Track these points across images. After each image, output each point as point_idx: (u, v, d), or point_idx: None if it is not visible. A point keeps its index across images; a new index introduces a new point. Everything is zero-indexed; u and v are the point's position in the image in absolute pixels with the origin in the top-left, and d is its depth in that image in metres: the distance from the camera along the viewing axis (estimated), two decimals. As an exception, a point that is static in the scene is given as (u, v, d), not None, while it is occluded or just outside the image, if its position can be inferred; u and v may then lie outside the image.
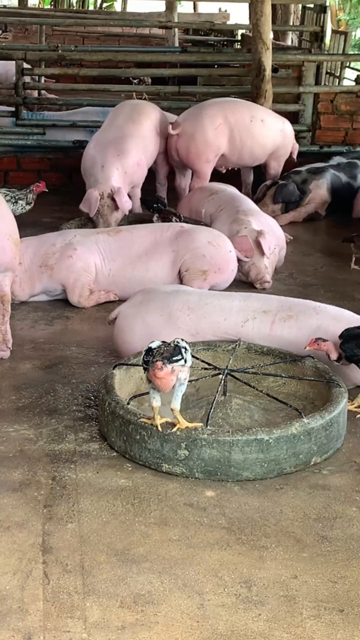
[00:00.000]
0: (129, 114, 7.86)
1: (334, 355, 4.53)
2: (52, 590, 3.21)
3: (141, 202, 7.57)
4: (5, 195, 6.96)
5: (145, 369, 3.87)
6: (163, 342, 3.92)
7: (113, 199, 7.08)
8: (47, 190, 7.23)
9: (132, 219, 7.37)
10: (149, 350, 3.88)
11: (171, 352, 3.83)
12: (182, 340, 3.91)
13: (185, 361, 3.83)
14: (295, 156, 8.58)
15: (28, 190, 7.13)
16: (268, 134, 8.13)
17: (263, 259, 6.45)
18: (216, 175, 8.29)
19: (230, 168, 8.42)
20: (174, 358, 3.80)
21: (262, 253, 6.41)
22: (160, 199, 7.64)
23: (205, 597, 3.21)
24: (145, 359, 3.86)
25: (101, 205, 7.08)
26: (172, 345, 3.87)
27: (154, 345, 3.89)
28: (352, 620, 3.12)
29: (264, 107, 8.50)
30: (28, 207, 7.15)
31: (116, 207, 7.09)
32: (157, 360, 3.80)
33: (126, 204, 7.11)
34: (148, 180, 7.89)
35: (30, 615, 3.08)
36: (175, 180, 8.19)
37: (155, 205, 7.18)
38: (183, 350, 3.84)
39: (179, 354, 3.82)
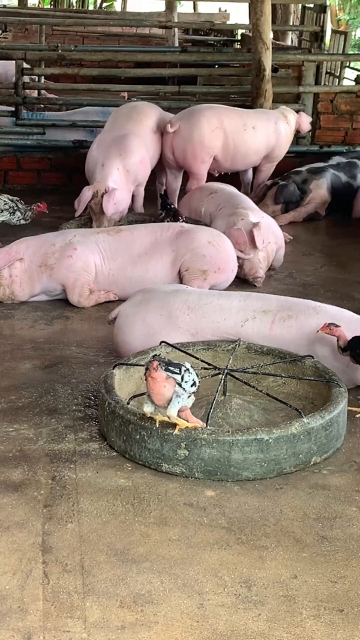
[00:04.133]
0: (130, 115, 7.86)
1: (342, 342, 4.55)
2: (52, 590, 3.21)
3: (161, 197, 7.54)
4: (5, 204, 6.93)
5: (145, 372, 3.89)
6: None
7: None
8: (47, 212, 7.12)
9: (132, 219, 7.37)
10: (155, 356, 3.92)
11: (172, 363, 3.85)
12: (192, 370, 3.90)
13: (182, 379, 3.82)
14: (305, 129, 8.58)
15: (29, 208, 7.05)
16: (261, 139, 8.11)
17: (257, 253, 6.44)
18: (215, 176, 8.29)
19: (222, 173, 8.39)
20: (170, 368, 3.81)
21: (255, 246, 6.40)
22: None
23: (205, 597, 3.21)
24: (152, 357, 3.89)
25: (95, 204, 7.07)
26: (178, 362, 3.90)
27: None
28: (352, 620, 3.12)
29: (255, 112, 8.45)
30: (23, 222, 7.03)
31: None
32: (154, 360, 3.82)
33: (111, 206, 7.02)
34: (148, 181, 7.88)
35: (30, 615, 3.08)
36: (166, 180, 8.13)
37: (169, 206, 7.15)
38: (184, 369, 3.84)
39: (178, 369, 3.82)
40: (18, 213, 6.97)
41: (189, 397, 3.90)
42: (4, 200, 6.94)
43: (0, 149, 9.24)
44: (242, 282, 6.47)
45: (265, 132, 8.13)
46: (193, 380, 3.88)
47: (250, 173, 8.63)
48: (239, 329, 4.87)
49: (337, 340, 4.61)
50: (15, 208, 6.96)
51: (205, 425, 4.01)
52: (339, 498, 3.87)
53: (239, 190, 7.82)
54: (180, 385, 3.82)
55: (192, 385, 3.88)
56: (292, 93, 9.94)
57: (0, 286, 6.01)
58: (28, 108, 9.97)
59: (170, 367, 3.81)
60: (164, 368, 3.80)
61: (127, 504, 3.76)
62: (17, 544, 3.46)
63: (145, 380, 3.87)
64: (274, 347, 4.77)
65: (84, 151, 7.98)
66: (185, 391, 3.85)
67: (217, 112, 7.94)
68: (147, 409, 3.93)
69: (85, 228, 6.89)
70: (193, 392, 3.91)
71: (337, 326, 4.58)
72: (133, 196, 7.66)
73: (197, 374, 3.95)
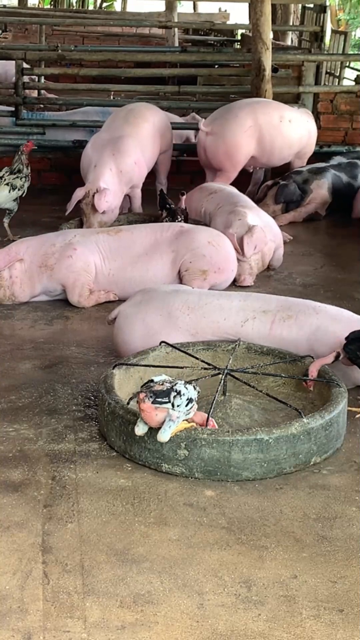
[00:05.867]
0: (127, 117, 7.85)
1: (330, 359, 4.51)
2: (52, 590, 3.21)
3: (159, 196, 7.54)
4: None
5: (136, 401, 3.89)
6: (170, 381, 3.88)
7: None
8: (36, 147, 7.30)
9: (132, 219, 7.37)
10: (149, 381, 3.89)
11: (160, 392, 3.81)
12: (187, 385, 3.86)
13: (173, 406, 3.79)
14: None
15: (19, 153, 7.23)
16: (295, 134, 8.23)
17: (248, 260, 6.44)
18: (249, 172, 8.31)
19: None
20: (158, 399, 3.79)
21: (243, 253, 6.39)
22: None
23: (205, 597, 3.21)
24: (141, 388, 3.88)
25: (85, 204, 7.07)
26: (168, 386, 3.83)
27: (156, 378, 3.90)
28: (352, 620, 3.12)
29: (289, 106, 8.53)
30: (28, 172, 7.23)
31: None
32: (141, 392, 3.82)
33: (103, 204, 7.01)
34: (149, 182, 7.88)
35: (30, 615, 3.08)
36: (206, 179, 8.08)
37: (169, 205, 7.14)
38: (173, 395, 3.79)
39: (166, 397, 3.79)
40: (18, 181, 7.10)
41: (187, 414, 3.89)
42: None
43: (1, 149, 9.24)
44: (242, 282, 6.48)
45: (300, 127, 8.25)
46: (188, 398, 3.84)
47: (261, 173, 8.66)
48: (238, 329, 4.87)
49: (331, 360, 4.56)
50: (13, 178, 7.11)
51: (212, 421, 4.02)
52: (339, 498, 3.87)
53: (247, 188, 7.81)
54: (173, 409, 3.81)
55: (187, 405, 3.84)
56: (292, 93, 9.94)
57: (0, 287, 6.01)
58: (28, 108, 9.97)
59: (158, 399, 3.78)
60: (151, 401, 3.79)
61: (127, 504, 3.76)
62: (17, 544, 3.46)
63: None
64: (274, 347, 4.78)
65: (84, 151, 7.98)
66: (181, 412, 3.84)
67: (251, 110, 7.96)
68: (139, 431, 3.91)
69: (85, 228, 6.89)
70: (191, 407, 3.89)
71: (312, 360, 4.52)
72: (130, 198, 7.67)
73: (194, 387, 3.91)
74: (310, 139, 8.44)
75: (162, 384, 3.85)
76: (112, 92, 11.18)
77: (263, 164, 8.22)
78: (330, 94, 9.91)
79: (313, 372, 4.47)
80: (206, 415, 4.02)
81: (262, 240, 6.51)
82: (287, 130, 8.09)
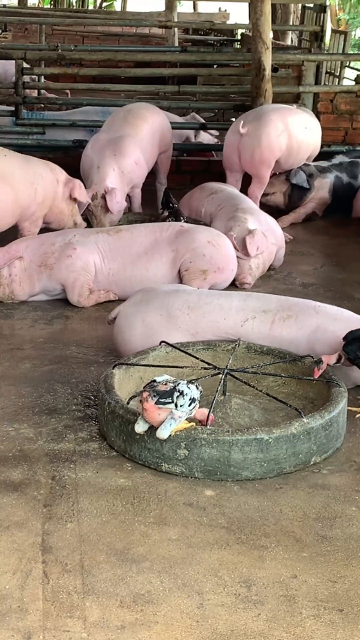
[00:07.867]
0: (125, 117, 7.85)
1: (333, 361, 4.50)
2: (52, 589, 3.21)
3: (164, 195, 7.52)
4: None
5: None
6: (172, 381, 3.88)
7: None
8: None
9: (132, 219, 7.37)
10: (151, 381, 3.90)
11: (163, 392, 3.81)
12: (189, 385, 3.87)
13: (176, 406, 3.80)
14: None
15: None
16: (315, 141, 8.33)
17: (248, 260, 6.44)
18: (215, 175, 8.30)
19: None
20: (162, 399, 3.79)
21: (247, 254, 6.39)
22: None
23: (204, 597, 3.21)
24: (144, 387, 3.89)
25: (94, 206, 7.08)
26: (171, 386, 3.84)
27: (159, 378, 3.90)
28: (352, 620, 3.12)
29: (310, 112, 8.57)
30: None
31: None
32: (144, 390, 3.83)
33: (116, 205, 7.06)
34: (149, 182, 7.87)
35: (30, 614, 3.08)
36: (227, 182, 8.06)
37: (172, 205, 7.13)
38: (176, 395, 3.80)
39: (169, 398, 3.79)
40: None
41: (189, 413, 3.89)
42: None
43: (0, 148, 9.24)
44: (242, 282, 6.48)
45: (318, 135, 8.37)
46: (191, 398, 3.84)
47: None
48: (238, 328, 4.87)
49: (329, 365, 4.54)
50: None
51: (212, 417, 4.02)
52: (339, 498, 3.87)
53: (247, 189, 7.81)
54: (176, 409, 3.82)
55: (190, 405, 3.84)
56: (292, 93, 9.95)
57: (0, 285, 6.01)
58: (28, 108, 9.97)
59: (161, 399, 3.79)
60: (154, 401, 3.79)
61: (127, 504, 3.76)
62: (17, 543, 3.46)
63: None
64: (274, 347, 4.78)
65: (84, 151, 7.98)
66: (184, 412, 3.84)
67: (282, 114, 8.02)
68: (140, 429, 3.91)
69: (85, 228, 6.88)
70: (194, 407, 3.89)
71: (320, 362, 4.47)
72: (130, 198, 7.67)
73: (197, 386, 3.92)
74: (319, 144, 8.51)
75: (165, 384, 3.85)
76: (69, 91, 11.18)
77: (284, 169, 8.24)
78: (330, 94, 9.91)
79: (327, 362, 4.45)
80: (206, 411, 4.02)
81: (263, 243, 6.52)
82: (308, 137, 8.18)
